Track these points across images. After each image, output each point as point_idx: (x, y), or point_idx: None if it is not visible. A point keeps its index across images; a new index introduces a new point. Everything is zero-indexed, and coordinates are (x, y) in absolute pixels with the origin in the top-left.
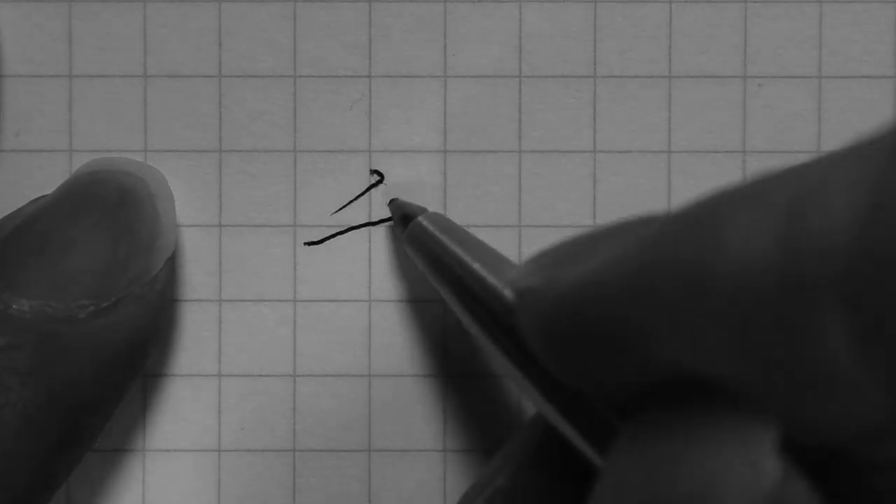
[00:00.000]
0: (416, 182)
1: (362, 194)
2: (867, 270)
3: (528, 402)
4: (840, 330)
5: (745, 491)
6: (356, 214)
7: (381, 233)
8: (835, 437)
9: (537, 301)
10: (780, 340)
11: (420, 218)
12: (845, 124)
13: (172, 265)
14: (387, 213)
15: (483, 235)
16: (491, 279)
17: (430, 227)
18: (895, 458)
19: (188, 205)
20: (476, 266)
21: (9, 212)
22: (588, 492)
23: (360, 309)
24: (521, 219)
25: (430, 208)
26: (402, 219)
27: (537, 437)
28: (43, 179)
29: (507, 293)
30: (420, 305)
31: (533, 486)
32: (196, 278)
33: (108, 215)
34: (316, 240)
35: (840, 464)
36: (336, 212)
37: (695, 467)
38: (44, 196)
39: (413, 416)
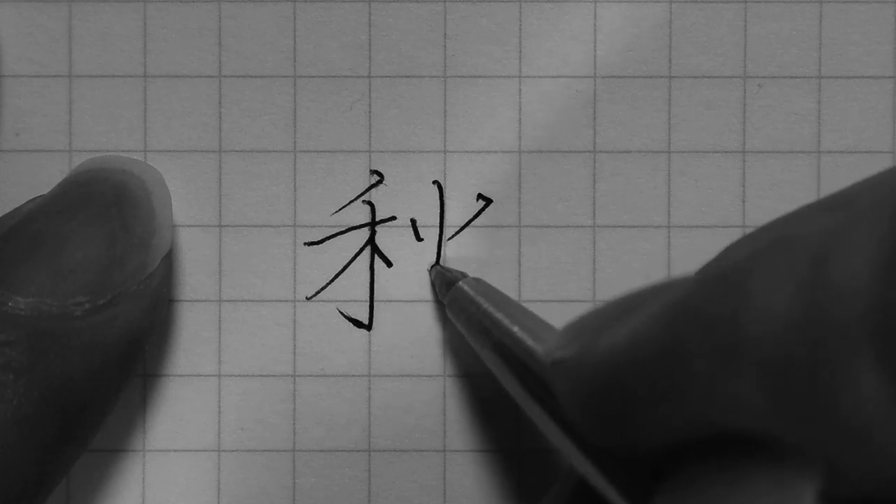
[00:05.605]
0: (416, 182)
1: (362, 194)
2: (893, 314)
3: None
4: (871, 376)
5: None
6: (356, 214)
7: (380, 233)
8: (878, 489)
9: (571, 372)
10: (812, 392)
11: (461, 283)
12: (845, 124)
13: (169, 262)
14: (387, 214)
15: (483, 235)
16: (529, 342)
17: (471, 292)
18: None
19: (188, 205)
20: (515, 329)
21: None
22: None
23: (360, 309)
24: (521, 219)
25: (431, 209)
26: (445, 285)
27: (570, 488)
28: (43, 179)
29: (545, 357)
30: (421, 305)
31: None
32: (196, 278)
33: (104, 213)
34: (316, 240)
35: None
36: (336, 212)
37: None
38: (41, 195)
39: (413, 416)
